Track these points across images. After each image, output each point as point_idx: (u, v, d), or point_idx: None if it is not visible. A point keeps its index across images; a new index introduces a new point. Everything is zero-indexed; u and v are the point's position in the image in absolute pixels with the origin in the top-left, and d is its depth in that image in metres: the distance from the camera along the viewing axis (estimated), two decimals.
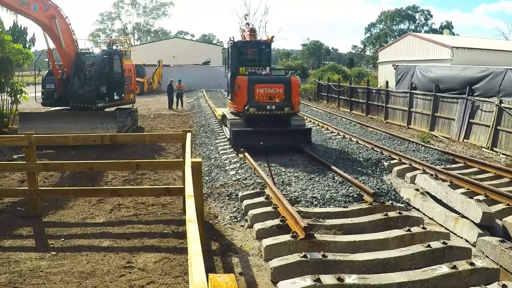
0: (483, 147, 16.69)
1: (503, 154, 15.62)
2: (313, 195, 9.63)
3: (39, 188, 9.02)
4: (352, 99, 30.31)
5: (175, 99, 31.12)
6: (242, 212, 9.03)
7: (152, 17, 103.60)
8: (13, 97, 18.52)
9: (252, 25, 19.31)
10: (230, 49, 16.54)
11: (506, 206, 8.91)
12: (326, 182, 10.65)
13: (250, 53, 16.63)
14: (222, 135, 17.90)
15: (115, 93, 18.24)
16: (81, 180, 11.29)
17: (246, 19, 24.73)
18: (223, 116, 17.63)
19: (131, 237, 7.66)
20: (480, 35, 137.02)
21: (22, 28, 34.65)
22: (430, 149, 15.38)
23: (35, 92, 18.33)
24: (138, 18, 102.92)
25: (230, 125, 15.13)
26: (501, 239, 7.37)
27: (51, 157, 13.32)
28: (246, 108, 14.60)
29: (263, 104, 14.55)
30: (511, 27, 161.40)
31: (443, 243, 6.94)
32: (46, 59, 18.61)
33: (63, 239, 7.54)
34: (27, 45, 33.66)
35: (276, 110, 14.60)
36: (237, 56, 16.16)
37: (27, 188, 8.89)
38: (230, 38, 16.59)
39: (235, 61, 16.12)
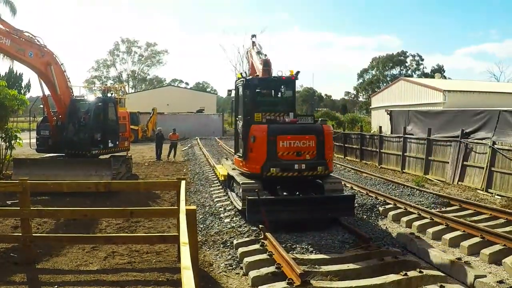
0: (478, 189, 16.74)
1: (498, 195, 15.66)
2: (308, 242, 9.58)
3: (33, 234, 8.92)
4: (346, 145, 30.48)
5: (166, 149, 28.82)
6: (237, 259, 8.93)
7: (147, 65, 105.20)
8: (7, 143, 18.50)
9: (265, 55, 13.49)
10: (240, 89, 12.79)
11: (503, 247, 8.89)
12: (322, 228, 10.60)
13: (268, 95, 13.10)
14: (217, 182, 17.66)
15: (109, 141, 18.26)
16: (75, 227, 11.15)
17: (254, 38, 15.22)
18: (231, 177, 13.44)
19: (125, 285, 7.53)
20: (463, 77, 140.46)
21: (18, 74, 35.12)
22: (425, 193, 15.43)
23: (30, 138, 18.38)
24: (133, 65, 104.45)
25: (242, 191, 11.30)
26: (499, 280, 7.33)
27: (45, 203, 13.20)
28: (265, 168, 11.22)
29: (289, 162, 11.25)
30: (502, 69, 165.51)
31: (441, 286, 6.88)
32: (41, 106, 18.75)
33: (56, 287, 7.41)
34: (22, 91, 33.96)
35: (307, 170, 11.34)
36: (251, 99, 12.44)
37: (20, 234, 8.78)
38: (241, 74, 13.14)
39: (248, 105, 12.41)
